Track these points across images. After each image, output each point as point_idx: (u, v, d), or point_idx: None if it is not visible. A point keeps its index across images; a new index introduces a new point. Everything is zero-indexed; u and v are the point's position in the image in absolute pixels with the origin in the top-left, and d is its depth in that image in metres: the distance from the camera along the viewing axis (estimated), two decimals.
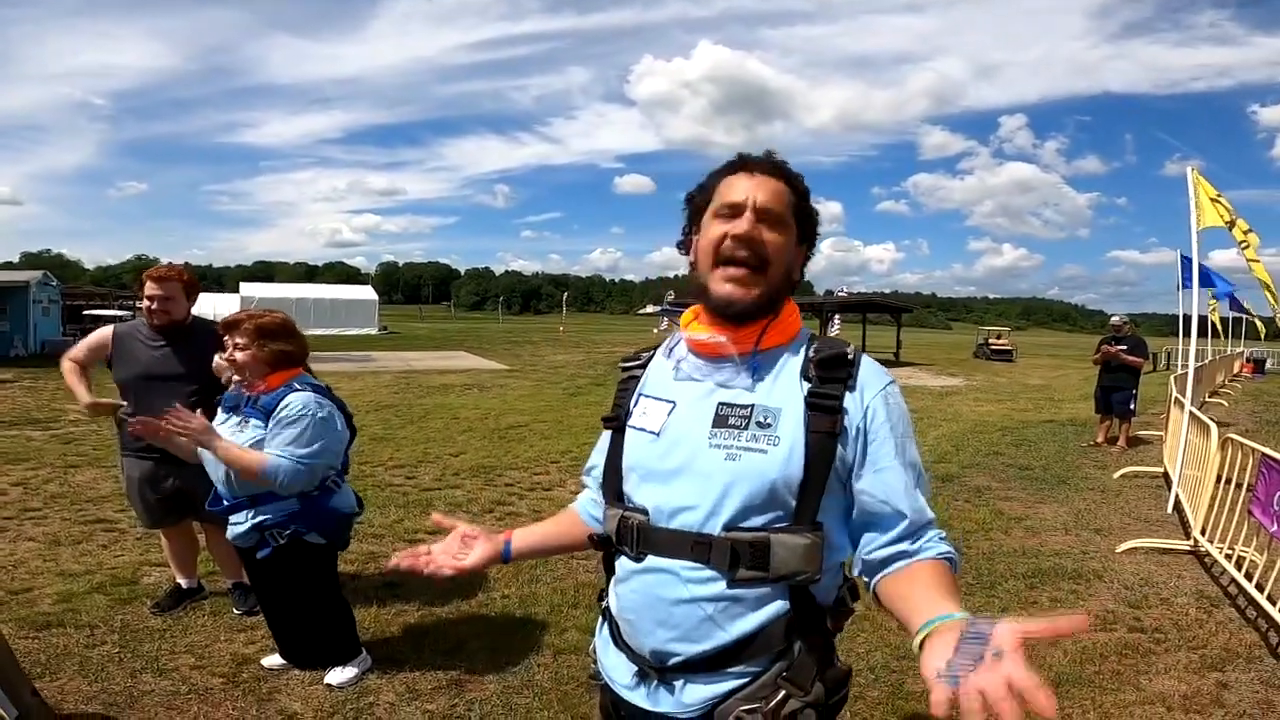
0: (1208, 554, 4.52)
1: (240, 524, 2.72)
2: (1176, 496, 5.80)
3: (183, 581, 3.66)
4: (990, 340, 31.77)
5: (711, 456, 1.12)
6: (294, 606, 2.88)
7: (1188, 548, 4.80)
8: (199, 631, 3.36)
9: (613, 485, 1.26)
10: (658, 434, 1.19)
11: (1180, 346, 12.10)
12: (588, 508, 1.44)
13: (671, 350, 1.28)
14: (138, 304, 4.42)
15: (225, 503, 2.72)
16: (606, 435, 1.33)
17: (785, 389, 1.15)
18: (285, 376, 2.72)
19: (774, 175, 1.21)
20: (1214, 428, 5.19)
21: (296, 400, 2.64)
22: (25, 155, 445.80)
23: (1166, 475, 6.82)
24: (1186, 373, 6.39)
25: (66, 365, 3.45)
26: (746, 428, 1.12)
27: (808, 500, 1.10)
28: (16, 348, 17.98)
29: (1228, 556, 4.24)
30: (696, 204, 1.26)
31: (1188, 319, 7.97)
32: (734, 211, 1.17)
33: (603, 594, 1.34)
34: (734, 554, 1.10)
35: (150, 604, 3.59)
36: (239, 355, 2.65)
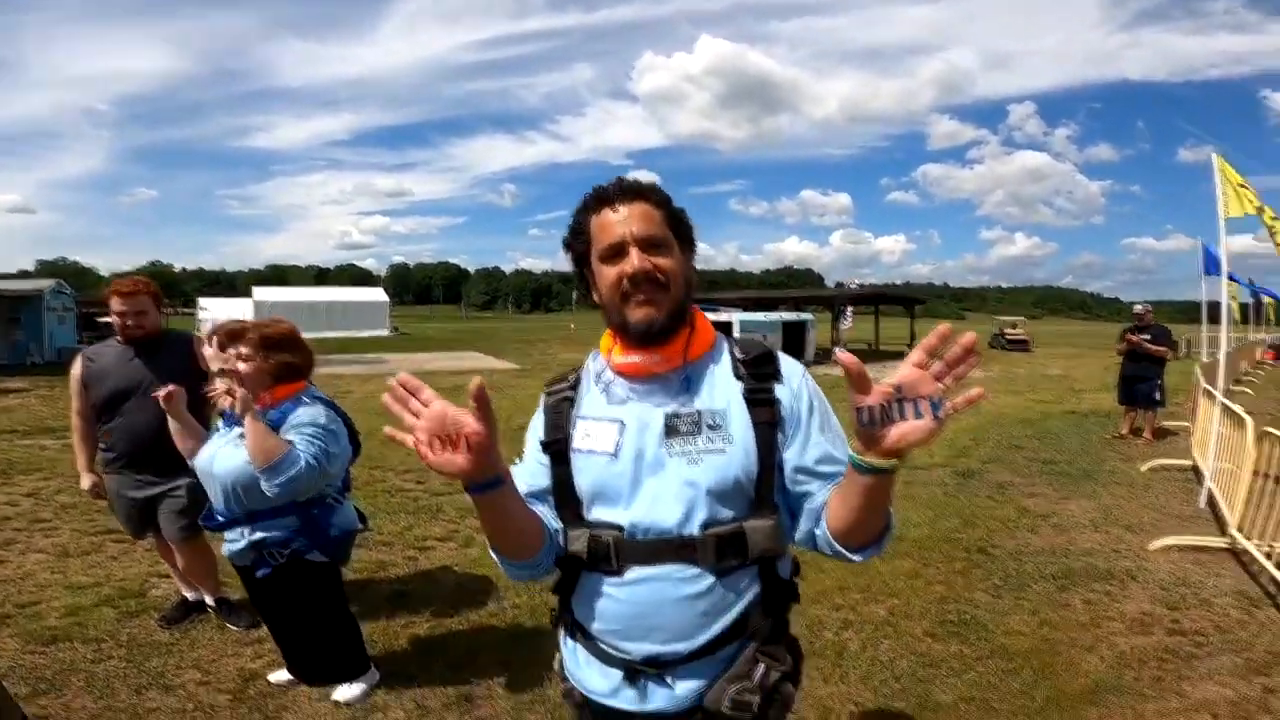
0: (1246, 551, 4.35)
1: (236, 541, 2.60)
2: (1210, 492, 5.61)
3: (188, 594, 3.60)
4: (1006, 330, 31.45)
5: (675, 465, 1.20)
6: (298, 625, 2.78)
7: (1224, 545, 4.62)
8: (206, 646, 3.29)
9: (571, 508, 1.27)
10: (614, 454, 1.22)
11: (1204, 334, 11.85)
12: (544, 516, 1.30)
13: (599, 375, 1.31)
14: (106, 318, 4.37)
15: (220, 519, 2.60)
16: (534, 459, 1.31)
17: (723, 391, 1.25)
18: (291, 389, 2.62)
19: (638, 200, 1.24)
20: (1249, 420, 5.00)
21: (306, 413, 2.55)
22: (36, 162, 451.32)
23: (1196, 468, 6.62)
24: (1215, 361, 6.20)
25: (75, 423, 3.42)
26: (699, 432, 1.21)
27: (764, 486, 1.22)
28: (33, 355, 18.07)
29: (1267, 554, 4.07)
30: (577, 250, 1.30)
31: (1212, 306, 7.76)
32: (617, 251, 1.22)
33: (555, 615, 1.37)
34: (718, 548, 1.19)
35: (157, 617, 3.53)
36: (242, 366, 2.54)
